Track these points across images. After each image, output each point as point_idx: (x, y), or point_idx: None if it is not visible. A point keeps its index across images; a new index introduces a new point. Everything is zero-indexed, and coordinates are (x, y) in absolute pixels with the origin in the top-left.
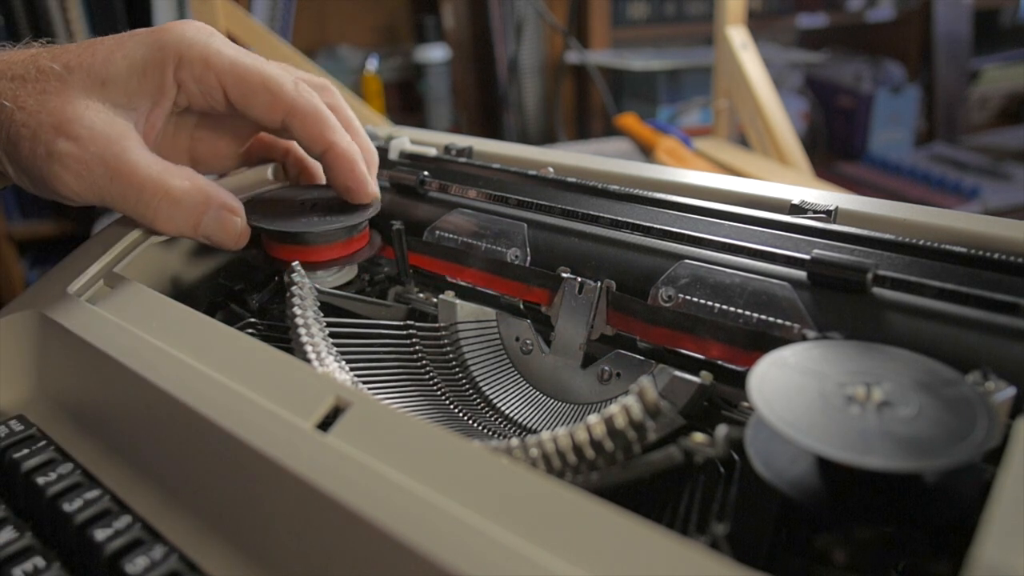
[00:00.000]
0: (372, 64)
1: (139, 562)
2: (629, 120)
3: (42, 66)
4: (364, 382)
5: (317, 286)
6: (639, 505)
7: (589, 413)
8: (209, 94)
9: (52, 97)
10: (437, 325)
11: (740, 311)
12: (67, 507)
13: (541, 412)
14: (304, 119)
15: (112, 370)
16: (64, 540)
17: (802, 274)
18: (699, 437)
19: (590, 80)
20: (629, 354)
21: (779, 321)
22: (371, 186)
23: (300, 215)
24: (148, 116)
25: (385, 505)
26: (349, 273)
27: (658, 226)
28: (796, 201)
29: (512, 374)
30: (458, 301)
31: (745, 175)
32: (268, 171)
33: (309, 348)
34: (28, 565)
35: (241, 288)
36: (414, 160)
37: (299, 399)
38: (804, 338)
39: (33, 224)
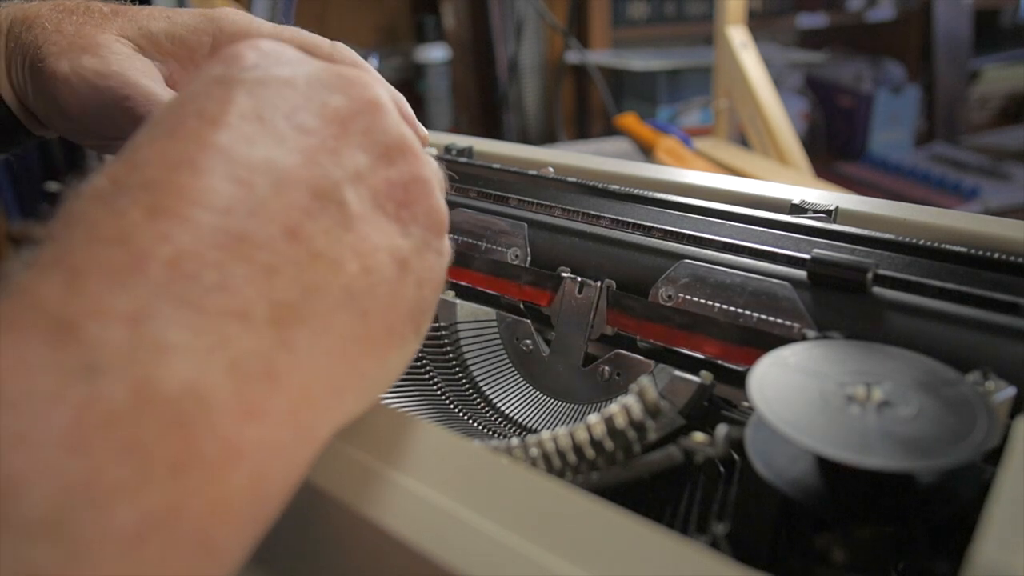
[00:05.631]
0: (372, 64)
1: None
2: (629, 120)
3: (92, 6)
4: None
5: None
6: (639, 505)
7: (589, 413)
8: None
9: (91, 28)
10: (437, 325)
11: (740, 311)
12: None
13: (541, 412)
14: None
15: None
16: None
17: (802, 274)
18: (699, 437)
19: (590, 80)
20: (629, 354)
21: (779, 321)
22: (422, 129)
23: None
24: (172, 77)
25: (384, 504)
26: None
27: (658, 226)
28: (796, 201)
29: (512, 374)
30: (458, 301)
31: (745, 175)
32: None
33: None
34: None
35: None
36: None
37: None
38: (804, 338)
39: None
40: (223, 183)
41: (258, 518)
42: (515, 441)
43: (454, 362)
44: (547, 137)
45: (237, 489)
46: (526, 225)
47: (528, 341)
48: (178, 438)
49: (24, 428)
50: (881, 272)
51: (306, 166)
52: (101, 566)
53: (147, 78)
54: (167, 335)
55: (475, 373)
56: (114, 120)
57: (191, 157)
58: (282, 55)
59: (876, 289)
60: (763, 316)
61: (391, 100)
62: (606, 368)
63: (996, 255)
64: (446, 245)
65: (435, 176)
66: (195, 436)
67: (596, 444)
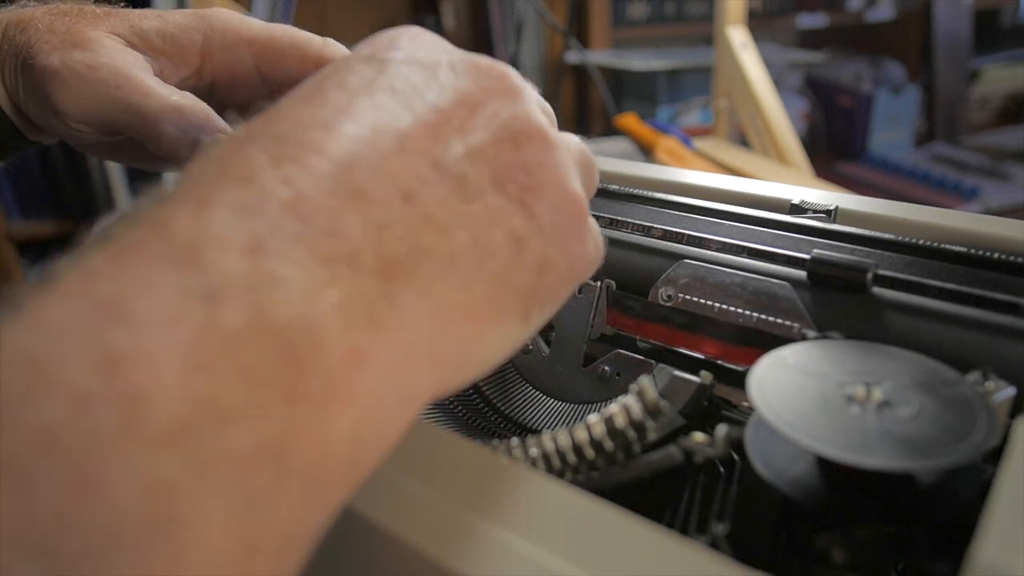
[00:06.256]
0: None
1: None
2: (629, 120)
3: (85, 9)
4: None
5: None
6: (639, 505)
7: (589, 413)
8: (236, 64)
9: (83, 27)
10: None
11: (740, 311)
12: None
13: (541, 412)
14: None
15: None
16: None
17: (802, 274)
18: (699, 437)
19: (590, 80)
20: (629, 354)
21: (779, 321)
22: None
23: None
24: (163, 73)
25: (384, 504)
26: None
27: (658, 226)
28: (796, 201)
29: (512, 374)
30: None
31: (745, 175)
32: None
33: None
34: None
35: None
36: None
37: None
38: (804, 338)
39: (33, 224)
40: (348, 141)
41: (356, 471)
42: (515, 441)
43: None
44: None
45: (340, 433)
46: None
47: (528, 341)
48: (289, 369)
49: (150, 345)
50: (881, 272)
51: (430, 138)
52: (220, 484)
53: (137, 69)
54: (280, 269)
55: None
56: (107, 112)
57: (323, 117)
58: (430, 42)
59: (876, 289)
60: (763, 316)
61: (532, 91)
62: (606, 368)
63: (996, 255)
64: (591, 233)
65: (573, 163)
66: (304, 370)
67: (596, 444)
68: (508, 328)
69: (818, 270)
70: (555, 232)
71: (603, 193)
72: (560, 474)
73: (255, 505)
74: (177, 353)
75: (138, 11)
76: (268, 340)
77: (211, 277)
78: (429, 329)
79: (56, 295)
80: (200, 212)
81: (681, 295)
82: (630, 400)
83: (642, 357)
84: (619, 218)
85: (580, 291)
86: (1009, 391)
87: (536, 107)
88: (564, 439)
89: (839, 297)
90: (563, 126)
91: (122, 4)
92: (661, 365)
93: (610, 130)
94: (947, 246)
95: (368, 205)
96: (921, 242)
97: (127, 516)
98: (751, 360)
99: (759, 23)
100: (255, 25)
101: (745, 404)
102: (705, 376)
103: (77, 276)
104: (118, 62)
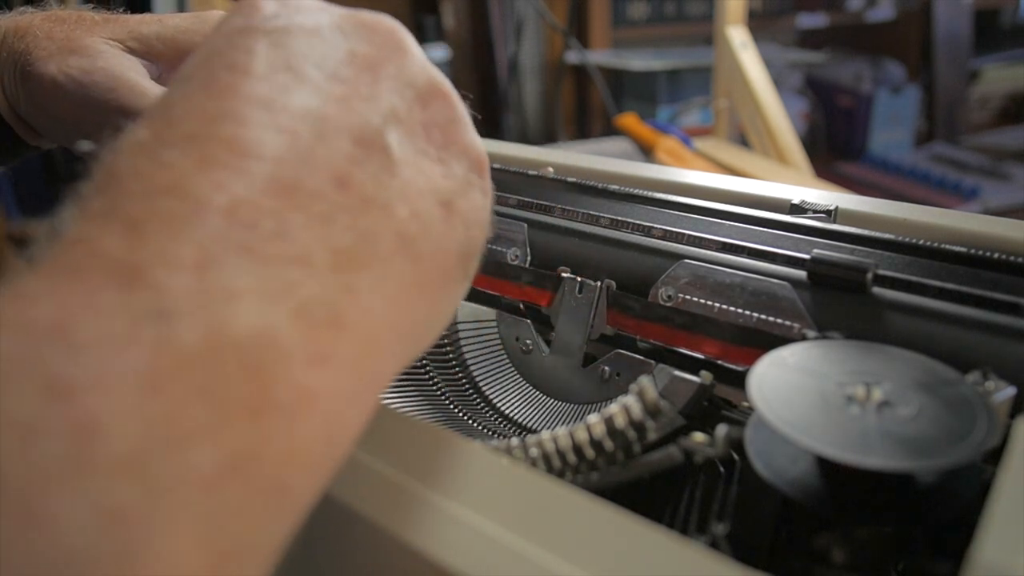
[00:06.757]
0: None
1: None
2: (629, 120)
3: (84, 15)
4: None
5: None
6: (639, 505)
7: (589, 413)
8: None
9: (80, 33)
10: None
11: (740, 311)
12: None
13: (541, 412)
14: None
15: None
16: None
17: (802, 274)
18: (699, 437)
19: (590, 80)
20: (629, 354)
21: (779, 321)
22: None
23: None
24: (162, 77)
25: (384, 504)
26: None
27: (658, 226)
28: (796, 201)
29: (512, 374)
30: None
31: (745, 175)
32: None
33: None
34: None
35: None
36: None
37: None
38: (804, 338)
39: (33, 223)
40: (268, 133)
41: (329, 464)
42: (515, 441)
43: (454, 362)
44: (547, 137)
45: (311, 435)
46: (526, 225)
47: (528, 341)
48: (253, 383)
49: (100, 370)
50: (881, 272)
51: (345, 114)
52: (180, 505)
53: (133, 72)
54: (233, 282)
55: (475, 373)
56: (104, 117)
57: (231, 109)
58: (300, 2)
59: (876, 289)
60: (763, 316)
61: (414, 41)
62: (606, 368)
63: (996, 255)
64: (488, 184)
65: (468, 115)
66: (269, 381)
67: (596, 444)
68: (454, 289)
69: (818, 270)
70: (470, 185)
71: (603, 193)
72: (560, 474)
73: (221, 522)
74: (129, 377)
75: (137, 16)
76: (227, 356)
77: (160, 297)
78: (390, 311)
79: None
80: (133, 231)
81: (681, 295)
82: (630, 400)
83: (642, 357)
84: (619, 218)
85: (580, 291)
86: (1009, 391)
87: (423, 57)
88: (564, 439)
89: (839, 297)
90: (563, 126)
91: (121, 9)
92: (661, 365)
93: (610, 130)
94: (947, 246)
95: (306, 199)
96: (921, 242)
97: (76, 549)
98: (751, 360)
99: (759, 23)
100: None
101: (745, 404)
102: (705, 376)
103: (13, 302)
104: (113, 66)
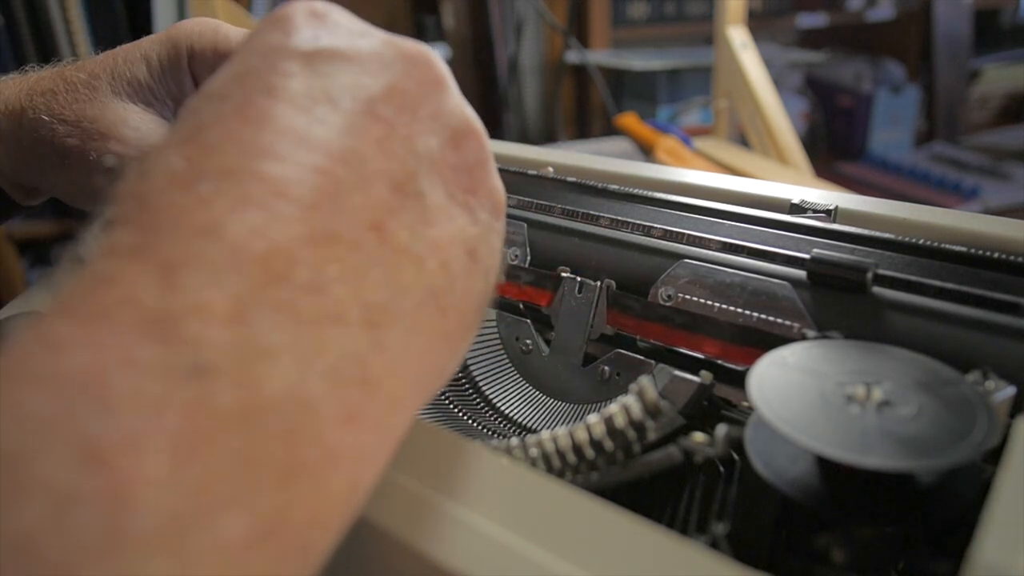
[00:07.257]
0: None
1: None
2: (629, 120)
3: (68, 77)
4: None
5: None
6: (639, 505)
7: (589, 413)
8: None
9: (86, 105)
10: None
11: (740, 310)
12: None
13: (541, 412)
14: None
15: None
16: None
17: (802, 273)
18: (699, 437)
19: (590, 80)
20: (629, 354)
21: (779, 320)
22: None
23: None
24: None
25: (384, 504)
26: None
27: (658, 226)
28: (796, 200)
29: (512, 374)
30: None
31: (745, 175)
32: None
33: None
34: None
35: None
36: None
37: None
38: (804, 337)
39: (33, 224)
40: (307, 174)
41: (347, 520)
42: (515, 441)
43: None
44: (547, 137)
45: (336, 495)
46: (526, 225)
47: (528, 341)
48: (284, 445)
49: (135, 432)
50: (881, 272)
51: (383, 157)
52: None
53: (125, 127)
54: (268, 338)
55: (475, 373)
56: (99, 180)
57: (269, 144)
58: (339, 22)
59: (876, 289)
60: (763, 316)
61: (450, 73)
62: (606, 368)
63: (996, 255)
64: (503, 226)
65: (492, 154)
66: (300, 443)
67: (596, 444)
68: (471, 336)
69: (818, 270)
70: (491, 230)
71: (603, 193)
72: (560, 474)
73: None
74: (166, 440)
75: (119, 59)
76: (261, 419)
77: (196, 352)
78: (413, 366)
79: (25, 377)
80: (168, 276)
81: (681, 295)
82: (630, 400)
83: (642, 357)
84: (619, 218)
85: (580, 291)
86: (1009, 391)
87: (459, 93)
88: (564, 439)
89: (839, 297)
90: (563, 126)
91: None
92: (661, 365)
93: (610, 130)
94: (947, 246)
95: (343, 249)
96: (921, 242)
97: None
98: (751, 360)
99: (759, 23)
100: (231, 32)
101: (745, 404)
102: (705, 376)
103: (44, 351)
104: (110, 128)
